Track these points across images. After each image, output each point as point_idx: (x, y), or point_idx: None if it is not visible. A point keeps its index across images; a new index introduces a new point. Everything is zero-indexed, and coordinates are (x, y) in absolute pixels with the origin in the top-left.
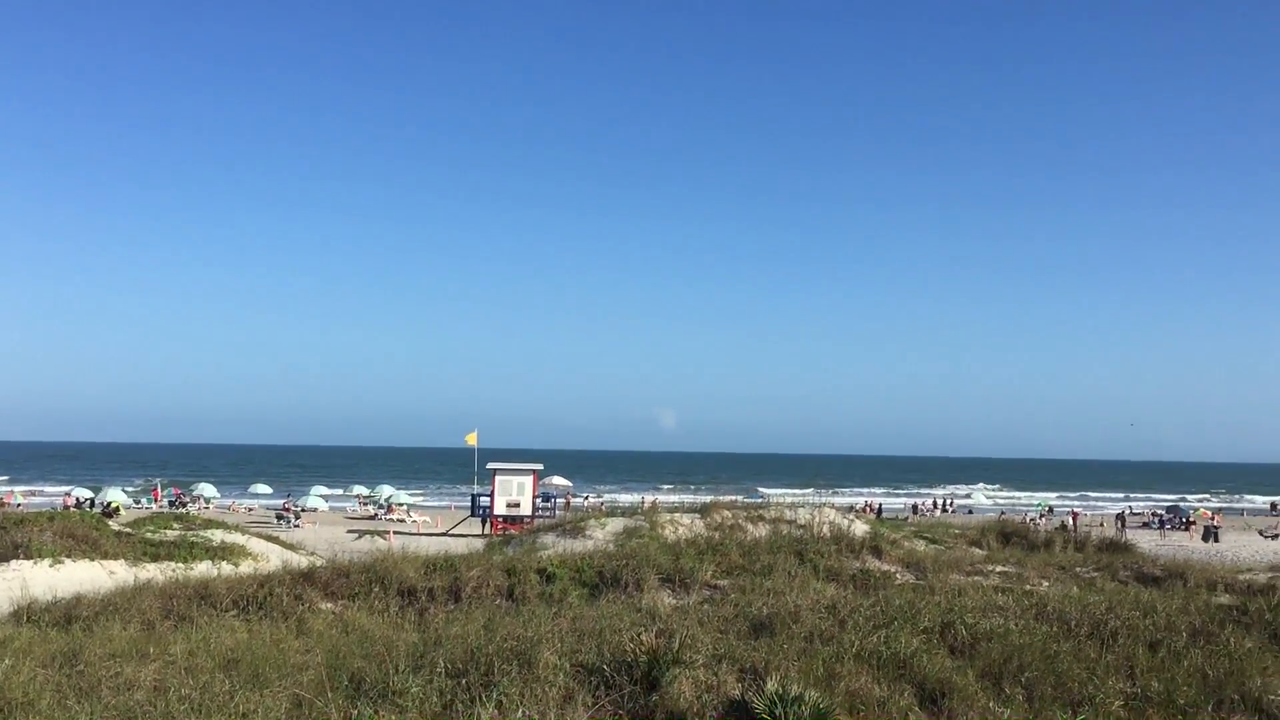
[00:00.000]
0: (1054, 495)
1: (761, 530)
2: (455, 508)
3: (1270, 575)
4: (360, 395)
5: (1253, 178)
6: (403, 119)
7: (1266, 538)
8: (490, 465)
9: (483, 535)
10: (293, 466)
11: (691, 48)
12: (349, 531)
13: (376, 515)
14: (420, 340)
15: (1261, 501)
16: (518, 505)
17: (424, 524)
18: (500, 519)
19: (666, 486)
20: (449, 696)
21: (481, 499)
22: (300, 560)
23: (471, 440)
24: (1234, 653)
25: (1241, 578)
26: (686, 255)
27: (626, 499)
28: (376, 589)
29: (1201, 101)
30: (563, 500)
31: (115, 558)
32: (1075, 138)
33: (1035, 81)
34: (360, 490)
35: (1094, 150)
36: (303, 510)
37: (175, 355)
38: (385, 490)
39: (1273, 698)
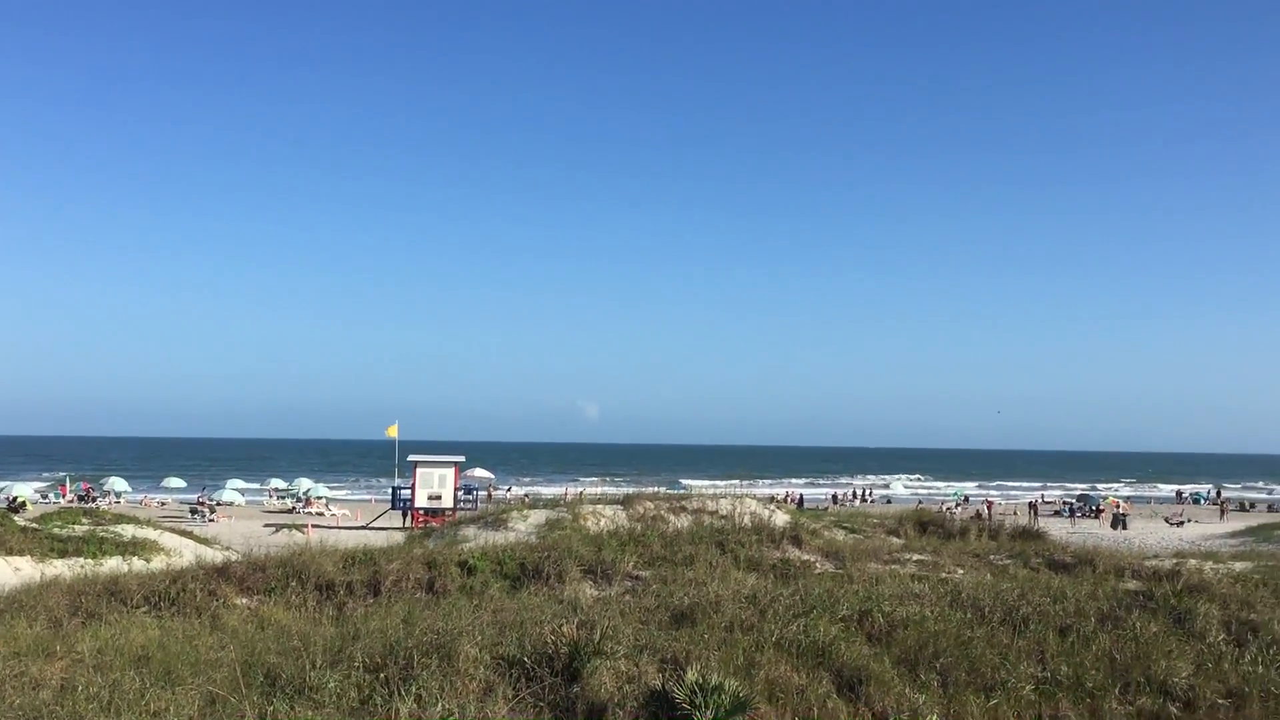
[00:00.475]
0: (972, 485)
1: (683, 521)
2: (376, 501)
3: (1175, 561)
4: (278, 386)
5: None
6: (320, 97)
7: (1172, 525)
8: (411, 457)
9: (403, 528)
10: (208, 459)
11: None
12: (266, 526)
13: (294, 509)
14: (340, 331)
15: (1168, 490)
16: (439, 498)
17: (343, 517)
18: (421, 512)
19: (589, 479)
20: (367, 691)
21: (402, 491)
22: (215, 555)
23: (392, 432)
24: (1140, 637)
25: (1148, 564)
26: (608, 245)
27: (549, 491)
28: (293, 583)
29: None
30: (485, 492)
31: (21, 554)
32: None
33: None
34: (278, 483)
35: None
36: (218, 504)
37: (83, 344)
38: (304, 483)
39: (1176, 680)
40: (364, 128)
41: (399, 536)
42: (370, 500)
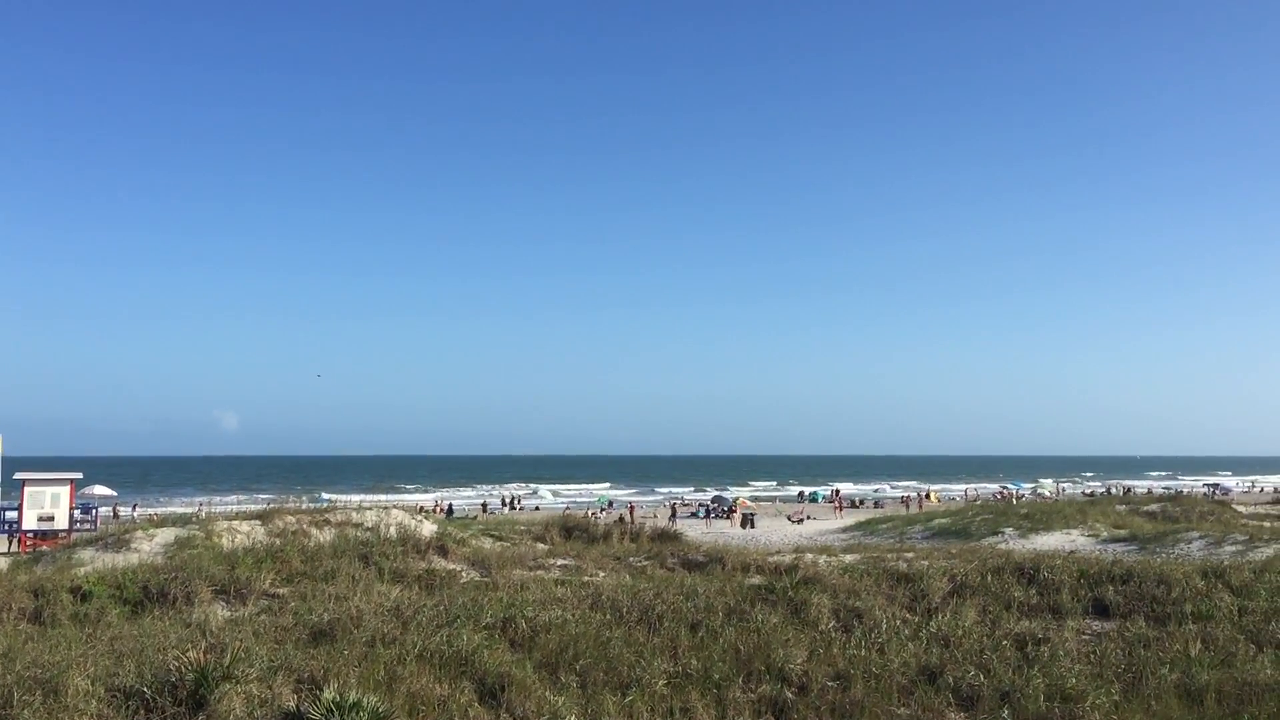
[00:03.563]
0: (628, 491)
1: (327, 535)
2: None
3: (794, 556)
4: None
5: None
6: None
7: (794, 522)
8: (18, 475)
9: (7, 554)
10: None
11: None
12: None
13: None
14: None
15: (793, 491)
16: (51, 519)
17: None
18: (30, 534)
19: (228, 495)
20: None
21: (7, 513)
22: None
23: None
24: (762, 628)
25: (771, 560)
26: (246, 246)
27: (183, 508)
28: None
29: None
30: (109, 511)
31: None
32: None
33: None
34: None
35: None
36: None
37: None
38: None
39: (793, 666)
40: None
41: (2, 563)
42: None
